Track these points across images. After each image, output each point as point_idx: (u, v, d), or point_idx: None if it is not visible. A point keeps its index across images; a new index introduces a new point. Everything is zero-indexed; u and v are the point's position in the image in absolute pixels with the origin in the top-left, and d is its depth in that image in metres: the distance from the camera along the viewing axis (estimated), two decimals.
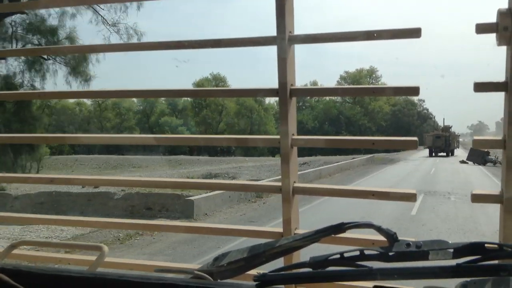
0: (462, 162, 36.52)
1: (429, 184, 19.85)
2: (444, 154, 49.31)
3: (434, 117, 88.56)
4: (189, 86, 70.09)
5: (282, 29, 1.84)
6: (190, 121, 73.06)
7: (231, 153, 62.29)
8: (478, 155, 34.70)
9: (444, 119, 60.63)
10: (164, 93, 2.50)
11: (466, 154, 45.02)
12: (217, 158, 50.44)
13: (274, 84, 1.90)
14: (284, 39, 1.85)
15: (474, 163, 34.97)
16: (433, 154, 48.93)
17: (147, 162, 44.59)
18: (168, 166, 42.68)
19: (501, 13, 1.52)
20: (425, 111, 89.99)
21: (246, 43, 2.00)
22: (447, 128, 55.13)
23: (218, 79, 75.18)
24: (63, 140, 2.58)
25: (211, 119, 72.11)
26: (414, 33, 1.67)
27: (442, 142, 49.58)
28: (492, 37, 1.58)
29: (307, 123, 72.11)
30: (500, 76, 1.63)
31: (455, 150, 52.90)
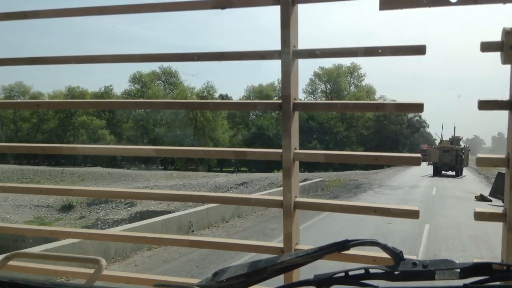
0: (481, 198, 19.91)
1: None
2: (453, 173, 38.29)
3: (428, 125, 75.77)
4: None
5: (287, 44, 1.85)
6: (122, 123, 62.12)
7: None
8: None
9: (455, 127, 44.00)
10: (161, 105, 2.50)
11: (475, 176, 34.34)
12: (146, 172, 42.05)
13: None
14: (288, 54, 1.85)
15: (504, 202, 9.15)
16: (439, 173, 37.81)
17: (56, 176, 37.65)
18: (76, 181, 36.16)
19: (506, 32, 1.52)
20: (417, 118, 72.43)
21: (250, 56, 2.00)
22: (457, 140, 42.02)
23: (167, 73, 67.01)
24: (60, 150, 2.56)
25: (145, 121, 60.40)
26: (419, 50, 1.67)
27: (451, 158, 38.19)
28: (495, 55, 1.58)
29: (268, 130, 58.37)
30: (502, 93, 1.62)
31: (463, 168, 40.78)
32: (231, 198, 2.30)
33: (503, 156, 1.67)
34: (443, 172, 38.29)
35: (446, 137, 43.21)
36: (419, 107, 1.71)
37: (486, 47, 1.57)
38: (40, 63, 2.33)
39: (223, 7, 1.93)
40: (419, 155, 1.78)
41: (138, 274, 2.20)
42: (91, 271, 1.65)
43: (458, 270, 0.89)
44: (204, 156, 2.31)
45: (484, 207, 1.80)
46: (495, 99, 1.63)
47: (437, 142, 47.61)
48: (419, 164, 1.80)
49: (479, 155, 1.72)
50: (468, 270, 0.89)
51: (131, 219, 15.51)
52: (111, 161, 55.74)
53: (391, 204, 1.85)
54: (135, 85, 65.89)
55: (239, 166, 60.42)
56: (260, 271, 1.02)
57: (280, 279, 1.14)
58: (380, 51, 1.73)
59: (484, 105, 1.63)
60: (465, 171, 41.07)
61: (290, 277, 1.71)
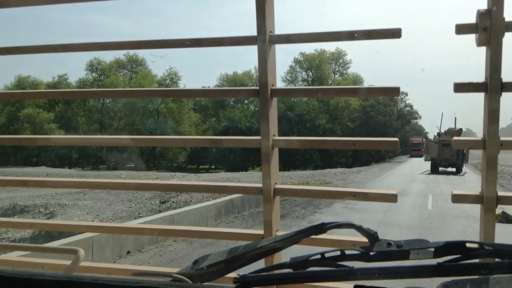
0: (505, 219, 10.74)
1: None
2: (454, 169, 33.83)
3: (421, 117, 68.87)
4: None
5: (263, 30, 1.83)
6: (78, 117, 56.96)
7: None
8: None
9: (455, 118, 39.01)
10: (139, 93, 2.46)
11: (476, 175, 29.60)
12: (92, 172, 37.02)
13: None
14: (264, 40, 1.83)
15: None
16: (436, 170, 33.81)
17: None
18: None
19: (480, 14, 1.54)
20: (408, 108, 64.98)
21: (227, 42, 1.98)
22: (457, 132, 35.68)
23: (133, 61, 62.26)
24: (35, 142, 2.50)
25: (101, 113, 56.36)
26: (394, 33, 1.68)
27: (452, 153, 33.15)
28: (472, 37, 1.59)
29: (241, 122, 52.30)
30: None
31: (463, 165, 35.57)
32: (210, 186, 2.29)
33: (479, 138, 1.69)
34: (441, 168, 34.28)
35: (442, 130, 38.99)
36: (395, 91, 1.72)
37: (460, 29, 1.58)
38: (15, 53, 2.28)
39: None
40: (396, 139, 1.79)
41: (116, 264, 2.18)
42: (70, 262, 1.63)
43: (432, 250, 0.91)
44: (183, 145, 2.29)
45: (459, 191, 1.81)
46: (470, 81, 1.65)
47: (429, 135, 44.15)
48: (395, 148, 1.81)
49: (455, 138, 1.74)
50: (442, 249, 0.91)
51: (33, 239, 11.09)
52: (68, 160, 52.03)
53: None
54: (92, 74, 61.22)
55: (216, 164, 57.04)
56: (240, 257, 1.02)
57: (261, 265, 1.14)
58: (356, 35, 1.74)
59: (460, 87, 1.64)
60: (464, 167, 35.97)
61: (271, 262, 1.71)
